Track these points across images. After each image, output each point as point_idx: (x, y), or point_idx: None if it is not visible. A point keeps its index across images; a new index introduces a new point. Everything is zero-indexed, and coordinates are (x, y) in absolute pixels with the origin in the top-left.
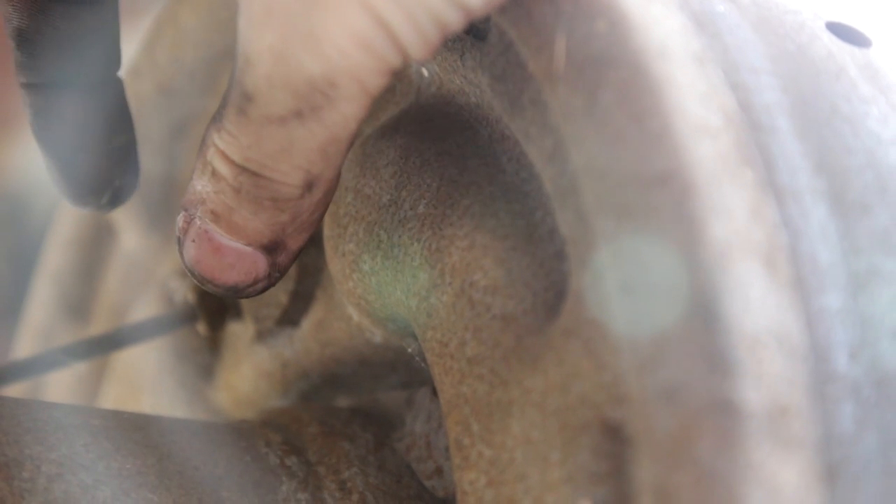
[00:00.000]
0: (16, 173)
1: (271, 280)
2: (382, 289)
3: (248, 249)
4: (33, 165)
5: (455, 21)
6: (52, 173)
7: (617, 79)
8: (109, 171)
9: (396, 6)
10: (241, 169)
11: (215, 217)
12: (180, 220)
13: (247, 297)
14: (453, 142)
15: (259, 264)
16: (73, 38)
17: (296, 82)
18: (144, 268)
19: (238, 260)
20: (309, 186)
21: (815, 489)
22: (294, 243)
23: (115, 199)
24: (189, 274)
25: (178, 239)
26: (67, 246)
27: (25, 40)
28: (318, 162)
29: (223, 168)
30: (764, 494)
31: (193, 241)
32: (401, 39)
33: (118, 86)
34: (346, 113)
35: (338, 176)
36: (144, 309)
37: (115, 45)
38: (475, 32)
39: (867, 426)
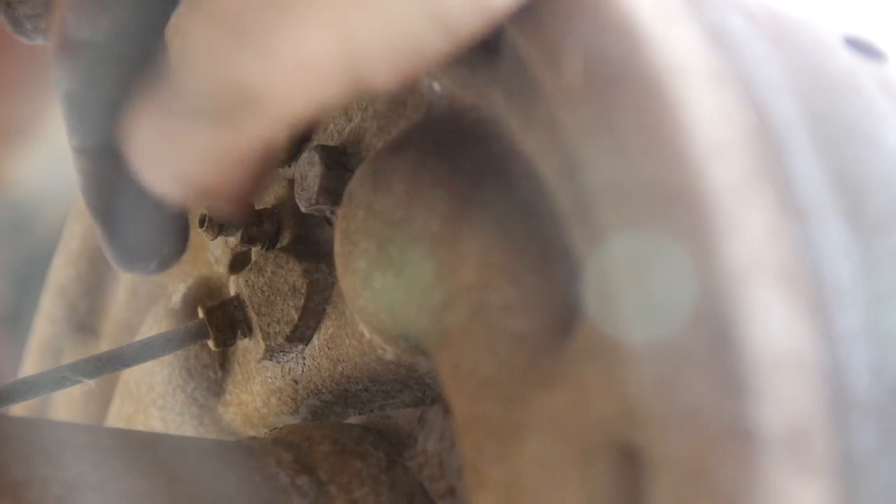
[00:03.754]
0: (22, 183)
1: None
2: (394, 306)
3: None
4: (40, 175)
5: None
6: (100, 238)
7: (633, 96)
8: (158, 240)
9: (376, 36)
10: None
11: None
12: None
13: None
14: (466, 158)
15: None
16: (124, 100)
17: (227, 85)
18: (153, 283)
19: None
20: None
21: None
22: None
23: (163, 265)
24: None
25: None
26: (76, 261)
27: (76, 104)
28: (225, 167)
29: None
30: None
31: None
32: (366, 72)
33: None
34: (265, 129)
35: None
36: (154, 325)
37: None
38: (488, 47)
39: (890, 448)
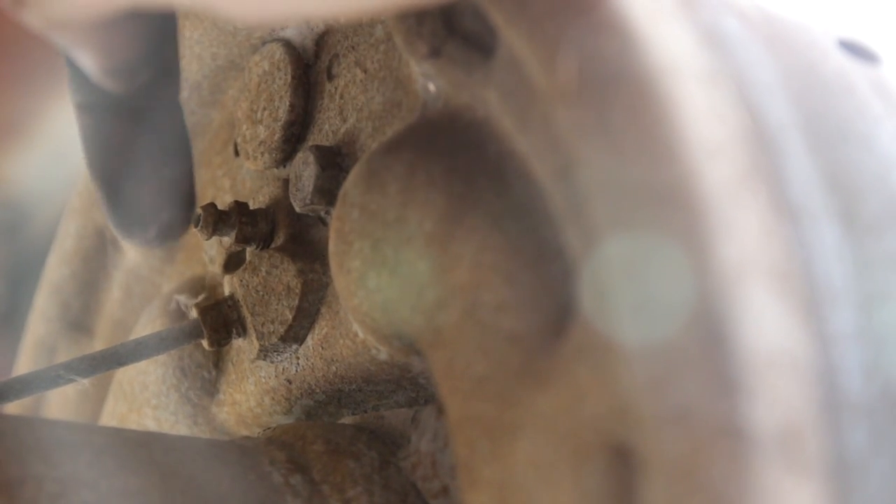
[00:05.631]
0: (17, 182)
1: None
2: (388, 306)
3: None
4: (34, 174)
5: None
6: (100, 200)
7: (627, 96)
8: (157, 205)
9: None
10: None
11: None
12: None
13: None
14: (460, 158)
15: None
16: (129, 57)
17: None
18: (148, 282)
19: None
20: None
21: None
22: None
23: (163, 234)
24: None
25: None
26: (70, 259)
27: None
28: None
29: None
30: None
31: None
32: None
33: (175, 111)
34: None
35: None
36: (148, 324)
37: (173, 65)
38: (483, 48)
39: (882, 449)
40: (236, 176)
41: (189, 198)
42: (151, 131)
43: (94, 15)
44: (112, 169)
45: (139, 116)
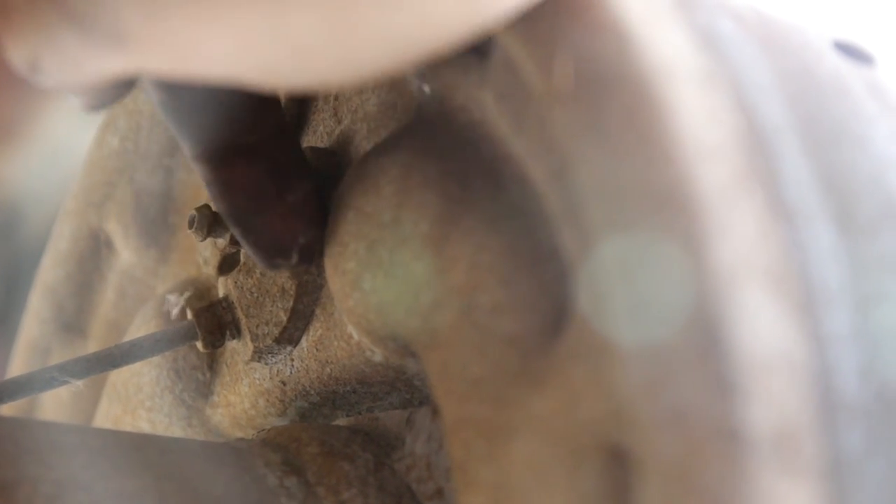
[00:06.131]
0: (12, 183)
1: None
2: (383, 308)
3: None
4: (29, 175)
5: None
6: (240, 241)
7: (623, 98)
8: (292, 231)
9: None
10: None
11: None
12: None
13: None
14: (455, 160)
15: None
16: (228, 101)
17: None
18: (142, 284)
19: None
20: None
21: None
22: None
23: (306, 257)
24: None
25: None
26: (64, 261)
27: (172, 111)
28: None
29: None
30: None
31: None
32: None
33: (286, 136)
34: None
35: None
36: (142, 326)
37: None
38: (478, 49)
39: (877, 451)
40: None
41: (320, 215)
42: (267, 163)
43: (105, 80)
44: (241, 208)
45: (252, 153)
